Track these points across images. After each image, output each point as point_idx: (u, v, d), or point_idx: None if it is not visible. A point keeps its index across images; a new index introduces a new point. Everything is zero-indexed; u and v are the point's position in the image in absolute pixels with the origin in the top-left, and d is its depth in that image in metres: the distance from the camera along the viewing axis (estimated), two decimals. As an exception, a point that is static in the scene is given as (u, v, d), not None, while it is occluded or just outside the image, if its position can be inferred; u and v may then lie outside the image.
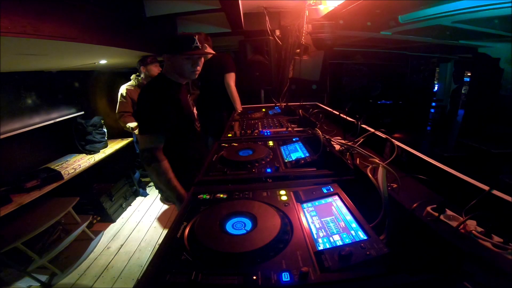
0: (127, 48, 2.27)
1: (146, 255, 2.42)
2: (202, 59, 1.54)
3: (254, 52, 2.81)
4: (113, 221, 2.99)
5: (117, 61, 3.16)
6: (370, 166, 0.87)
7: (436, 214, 0.74)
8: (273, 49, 2.78)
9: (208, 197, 0.92)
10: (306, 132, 1.69)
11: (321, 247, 0.63)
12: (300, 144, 1.39)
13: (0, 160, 2.39)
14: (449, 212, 0.75)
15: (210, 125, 3.02)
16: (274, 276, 0.55)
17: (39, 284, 2.11)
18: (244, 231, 0.70)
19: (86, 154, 3.25)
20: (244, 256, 0.61)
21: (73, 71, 3.45)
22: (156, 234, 2.71)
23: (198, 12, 2.75)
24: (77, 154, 3.22)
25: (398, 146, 1.23)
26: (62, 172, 2.61)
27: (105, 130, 3.54)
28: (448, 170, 0.97)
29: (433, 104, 5.75)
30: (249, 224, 0.72)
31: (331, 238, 0.66)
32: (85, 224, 2.55)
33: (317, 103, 2.71)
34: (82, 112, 3.56)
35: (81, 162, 2.99)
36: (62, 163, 2.96)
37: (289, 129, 1.78)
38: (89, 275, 2.21)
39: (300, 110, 2.02)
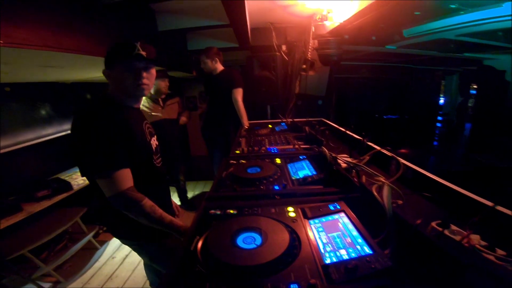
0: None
1: (150, 266, 2.42)
2: (153, 71, 1.22)
3: (261, 68, 2.88)
4: (119, 231, 3.01)
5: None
6: (376, 185, 0.90)
7: (441, 229, 0.76)
8: (279, 65, 2.85)
9: (219, 212, 0.95)
10: (312, 150, 1.71)
11: (328, 261, 0.66)
12: (307, 162, 1.41)
13: (12, 169, 2.46)
14: (453, 227, 0.77)
15: (217, 139, 3.06)
16: (283, 288, 0.57)
17: (42, 291, 2.13)
18: (255, 246, 0.73)
19: (95, 164, 3.30)
20: (255, 269, 0.64)
21: (85, 82, 3.56)
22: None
23: (207, 28, 2.85)
24: (86, 165, 3.27)
25: (403, 164, 1.25)
26: (72, 183, 2.66)
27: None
28: (452, 187, 0.98)
29: (439, 118, 5.73)
30: (259, 239, 0.75)
31: (337, 253, 0.68)
32: (92, 234, 2.58)
33: (323, 119, 2.74)
34: (93, 123, 3.64)
35: (90, 172, 3.04)
36: (72, 174, 3.01)
37: (296, 146, 1.81)
38: (93, 284, 2.23)
39: (306, 127, 2.05)
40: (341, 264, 0.63)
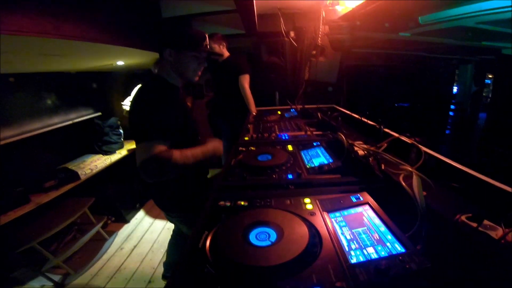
0: (144, 49, 2.29)
1: (158, 256, 2.41)
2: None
3: (269, 54, 2.78)
4: (127, 221, 3.01)
5: (134, 62, 3.20)
6: (403, 174, 0.81)
7: (474, 224, 0.68)
8: (288, 51, 2.74)
9: (229, 204, 0.88)
10: (326, 136, 1.63)
11: (354, 260, 0.58)
12: (322, 149, 1.33)
13: (19, 160, 2.45)
14: (486, 222, 0.69)
15: (224, 127, 3.01)
16: (305, 293, 0.51)
17: (52, 284, 2.13)
18: (269, 243, 0.65)
19: (103, 154, 3.30)
20: (271, 270, 0.57)
21: (91, 72, 3.52)
22: (168, 236, 2.68)
23: (212, 13, 2.75)
24: (93, 155, 3.27)
25: (424, 152, 1.16)
26: (79, 173, 2.65)
27: (121, 131, 3.58)
28: (482, 178, 0.89)
29: (452, 107, 5.54)
30: (273, 235, 0.68)
31: (364, 251, 0.61)
32: (100, 224, 2.58)
33: (334, 105, 2.64)
34: (99, 113, 3.62)
35: (98, 162, 3.03)
36: (79, 163, 3.00)
37: (308, 132, 1.73)
38: (101, 276, 2.22)
39: (319, 113, 1.97)
40: (369, 264, 0.55)
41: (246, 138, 1.71)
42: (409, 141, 1.30)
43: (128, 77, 3.99)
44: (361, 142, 1.49)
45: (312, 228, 0.70)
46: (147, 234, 2.77)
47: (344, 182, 0.99)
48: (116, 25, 1.97)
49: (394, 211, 0.75)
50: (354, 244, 0.63)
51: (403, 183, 0.76)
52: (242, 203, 0.88)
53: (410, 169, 0.79)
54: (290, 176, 1.07)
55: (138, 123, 1.16)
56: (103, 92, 3.78)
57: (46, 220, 2.18)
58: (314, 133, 1.73)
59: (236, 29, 3.11)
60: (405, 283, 0.52)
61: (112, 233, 2.78)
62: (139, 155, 1.10)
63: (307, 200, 0.86)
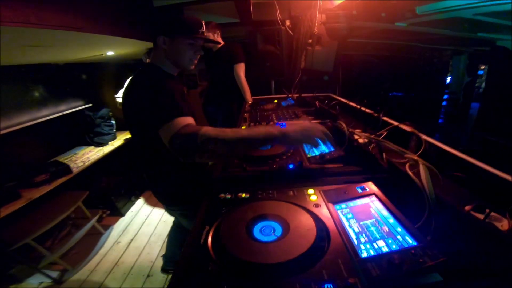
0: (134, 38, 2.20)
1: (156, 249, 2.39)
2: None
3: (265, 42, 2.72)
4: (122, 214, 2.97)
5: (124, 52, 3.10)
6: (408, 163, 0.80)
7: (480, 215, 0.68)
8: (284, 40, 2.69)
9: (229, 196, 0.85)
10: (325, 125, 1.61)
11: (364, 254, 0.56)
12: (322, 137, 1.31)
13: (8, 154, 2.37)
14: (493, 214, 0.69)
15: (219, 116, 2.96)
16: (316, 289, 0.49)
17: (51, 281, 2.10)
18: (275, 237, 0.63)
19: (95, 146, 3.23)
20: (279, 266, 0.54)
21: (80, 63, 3.40)
22: (165, 228, 2.68)
23: (206, 1, 2.67)
24: (86, 147, 3.20)
25: (425, 140, 1.16)
26: (71, 166, 2.58)
27: (113, 122, 3.50)
28: (487, 168, 0.89)
29: (445, 96, 5.62)
30: (278, 229, 0.66)
31: (375, 244, 0.59)
32: (95, 218, 2.53)
33: (331, 94, 2.63)
34: (90, 104, 3.53)
35: (90, 155, 2.96)
36: (71, 156, 2.94)
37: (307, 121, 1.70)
38: (99, 271, 2.19)
39: (316, 102, 1.94)
40: (381, 259, 0.53)
41: (244, 127, 1.69)
42: (409, 130, 1.29)
43: (119, 67, 3.88)
44: (360, 130, 1.48)
45: (319, 221, 0.68)
46: (143, 227, 2.75)
47: (347, 171, 0.97)
48: (105, 13, 1.88)
49: (399, 201, 0.74)
50: (363, 237, 0.61)
51: (411, 174, 0.74)
52: (243, 195, 0.86)
53: (415, 158, 0.78)
54: (291, 166, 1.04)
55: (149, 110, 1.05)
56: (94, 83, 3.67)
57: (39, 216, 2.12)
58: (313, 121, 1.71)
59: (230, 18, 3.03)
60: (419, 277, 0.50)
61: (107, 227, 2.75)
62: (165, 141, 0.99)
63: (310, 191, 0.84)
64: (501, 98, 3.67)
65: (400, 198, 0.77)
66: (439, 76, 5.55)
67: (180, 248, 1.96)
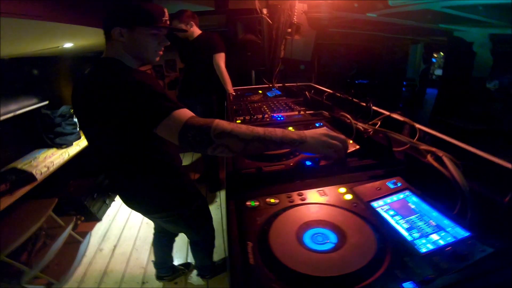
0: (99, 27, 1.98)
1: (144, 254, 2.26)
2: None
3: (245, 31, 2.64)
4: (99, 219, 2.75)
5: (85, 43, 2.79)
6: (429, 155, 0.82)
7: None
8: (266, 28, 2.64)
9: (256, 204, 0.78)
10: (321, 115, 1.63)
11: (424, 250, 0.57)
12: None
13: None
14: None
15: (198, 108, 2.84)
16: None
17: (38, 296, 1.89)
18: (332, 245, 0.61)
19: (57, 148, 2.89)
20: (353, 275, 0.53)
21: (30, 57, 2.98)
22: (150, 231, 2.52)
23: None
24: (46, 149, 2.85)
25: (419, 129, 1.21)
26: (34, 172, 2.29)
27: (76, 120, 3.17)
28: (482, 154, 0.91)
29: (404, 83, 6.11)
30: (332, 236, 0.63)
31: (430, 238, 0.60)
32: (70, 226, 2.30)
33: (312, 83, 2.67)
34: (47, 102, 3.13)
35: (53, 158, 2.65)
36: (31, 161, 2.60)
37: (302, 112, 1.70)
38: (88, 282, 2.03)
39: (306, 92, 1.96)
40: (443, 252, 0.55)
41: (238, 121, 1.63)
42: (401, 119, 1.35)
43: (77, 61, 3.50)
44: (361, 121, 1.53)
45: (369, 221, 0.67)
46: (125, 231, 2.57)
47: (365, 165, 0.97)
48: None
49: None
50: (415, 233, 0.62)
51: (440, 167, 0.75)
52: (272, 200, 0.80)
53: (434, 150, 0.80)
54: (308, 163, 1.01)
55: (135, 110, 0.92)
56: (48, 78, 3.26)
57: (7, 230, 1.87)
58: (307, 112, 1.72)
59: (204, 6, 2.89)
60: (480, 266, 0.52)
61: (85, 234, 2.52)
62: (170, 136, 0.90)
63: (342, 189, 0.81)
64: (457, 84, 4.09)
65: (422, 190, 0.78)
66: (399, 64, 6.00)
67: (169, 251, 1.90)
